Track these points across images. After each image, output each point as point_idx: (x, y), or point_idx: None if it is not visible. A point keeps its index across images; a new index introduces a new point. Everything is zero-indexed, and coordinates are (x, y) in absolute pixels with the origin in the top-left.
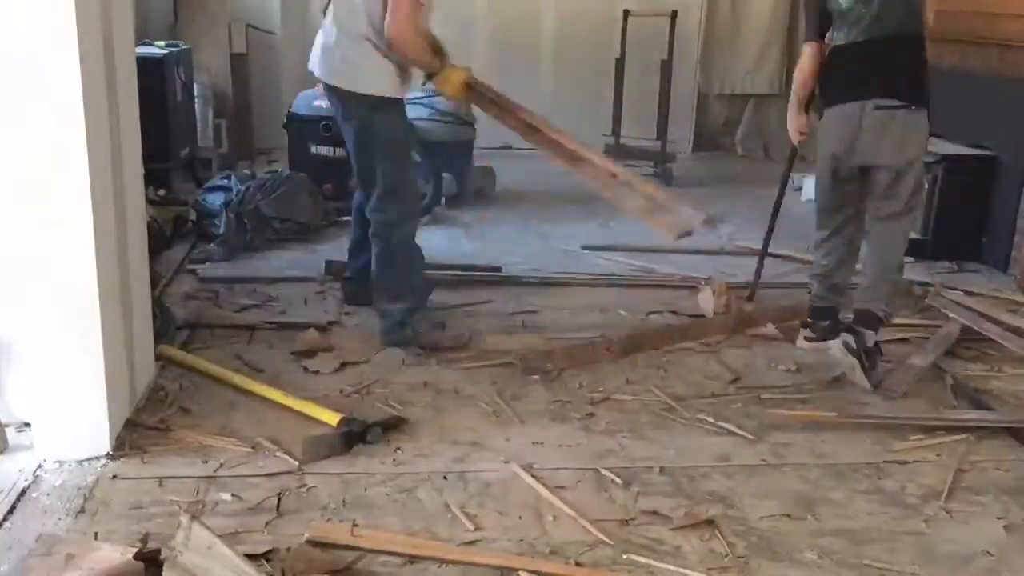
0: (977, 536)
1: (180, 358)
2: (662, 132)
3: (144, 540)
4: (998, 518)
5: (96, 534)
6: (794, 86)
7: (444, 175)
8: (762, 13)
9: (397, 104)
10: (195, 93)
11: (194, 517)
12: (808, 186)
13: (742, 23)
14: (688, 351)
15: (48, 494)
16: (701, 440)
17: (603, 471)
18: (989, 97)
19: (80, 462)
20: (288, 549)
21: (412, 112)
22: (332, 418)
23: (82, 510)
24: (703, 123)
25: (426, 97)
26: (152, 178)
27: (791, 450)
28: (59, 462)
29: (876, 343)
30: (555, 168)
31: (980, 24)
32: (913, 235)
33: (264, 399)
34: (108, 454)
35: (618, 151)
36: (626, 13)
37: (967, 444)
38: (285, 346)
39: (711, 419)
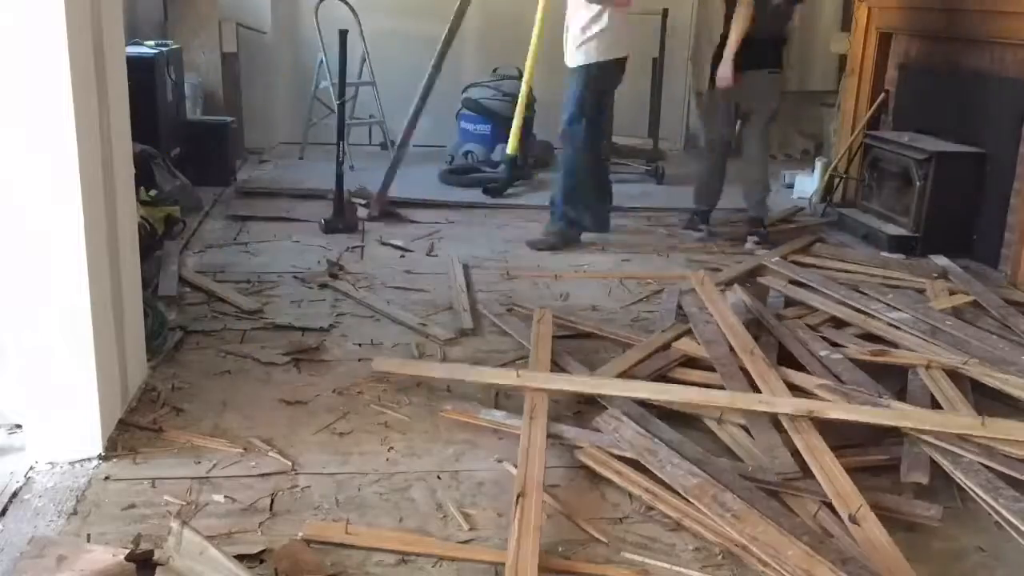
0: (969, 533)
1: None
2: (653, 130)
3: (136, 541)
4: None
5: (88, 536)
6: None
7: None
8: None
9: None
10: (185, 93)
11: (184, 523)
12: (799, 183)
13: None
14: None
15: (40, 496)
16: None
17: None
18: (979, 95)
19: (72, 463)
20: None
21: (481, 94)
22: None
23: (74, 512)
24: (694, 121)
25: (493, 82)
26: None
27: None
28: (51, 464)
29: None
30: None
31: (970, 22)
32: (904, 231)
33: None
34: (100, 455)
35: (609, 150)
36: None
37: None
38: (278, 347)
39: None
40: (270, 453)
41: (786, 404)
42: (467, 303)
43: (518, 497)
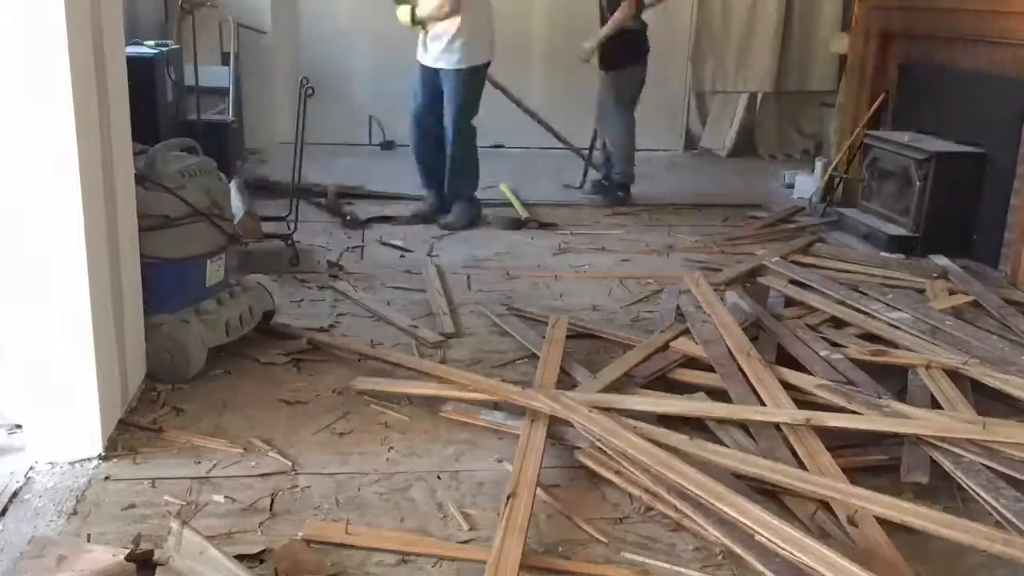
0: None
1: None
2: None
3: (136, 541)
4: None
5: (88, 536)
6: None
7: None
8: (753, 11)
9: None
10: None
11: (184, 523)
12: (800, 183)
13: (733, 21)
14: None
15: (40, 496)
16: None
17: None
18: (979, 95)
19: (72, 463)
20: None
21: None
22: None
23: (74, 512)
24: (694, 121)
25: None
26: None
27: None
28: (51, 464)
29: None
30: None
31: (970, 22)
32: (904, 231)
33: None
34: (100, 455)
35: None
36: None
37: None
38: (278, 347)
39: None
40: (270, 453)
41: (783, 414)
42: (446, 307)
43: (508, 497)
